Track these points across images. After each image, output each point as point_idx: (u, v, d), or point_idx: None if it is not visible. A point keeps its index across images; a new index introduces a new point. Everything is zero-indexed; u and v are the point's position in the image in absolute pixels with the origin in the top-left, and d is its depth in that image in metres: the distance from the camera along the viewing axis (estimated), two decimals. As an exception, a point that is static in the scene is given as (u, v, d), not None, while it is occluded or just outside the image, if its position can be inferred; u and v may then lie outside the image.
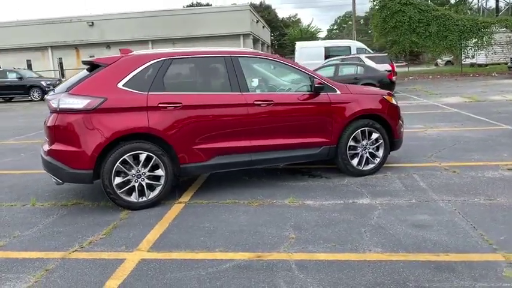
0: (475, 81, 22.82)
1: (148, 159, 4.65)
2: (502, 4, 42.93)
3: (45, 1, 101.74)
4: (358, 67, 16.16)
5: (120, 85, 4.62)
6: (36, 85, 24.09)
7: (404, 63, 39.17)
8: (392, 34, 27.80)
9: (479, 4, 46.18)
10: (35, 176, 6.31)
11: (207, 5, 61.35)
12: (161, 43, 37.47)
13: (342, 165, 5.61)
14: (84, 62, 5.00)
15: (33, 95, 23.94)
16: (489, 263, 3.19)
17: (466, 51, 30.07)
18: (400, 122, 5.96)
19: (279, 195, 4.98)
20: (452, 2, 43.51)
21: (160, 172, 4.73)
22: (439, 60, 45.50)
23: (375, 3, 28.20)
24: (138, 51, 5.18)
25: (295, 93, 5.43)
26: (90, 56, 38.84)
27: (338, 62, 17.90)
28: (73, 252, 3.70)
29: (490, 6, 45.59)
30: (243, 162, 5.12)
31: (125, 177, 4.61)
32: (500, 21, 28.85)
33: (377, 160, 5.71)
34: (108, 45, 38.09)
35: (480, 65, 31.97)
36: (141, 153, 4.62)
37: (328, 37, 77.86)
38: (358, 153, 5.62)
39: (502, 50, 29.95)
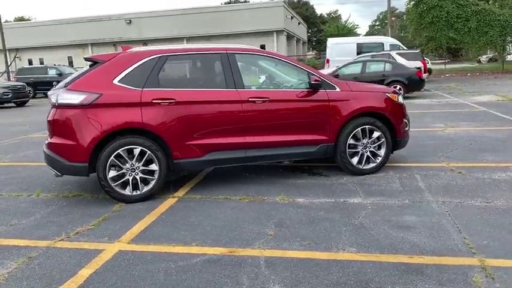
0: (515, 78, 21.80)
1: (142, 153, 4.77)
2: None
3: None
4: (386, 64, 15.80)
5: (115, 81, 4.75)
6: (73, 81, 24.95)
7: (446, 60, 37.95)
8: (429, 30, 26.96)
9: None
10: (46, 168, 6.58)
11: (245, 1, 61.58)
12: (196, 40, 38.01)
13: (341, 163, 5.54)
14: (86, 59, 5.17)
15: (70, 91, 24.79)
16: (462, 267, 3.08)
17: (508, 47, 28.74)
18: (405, 121, 5.80)
19: (272, 192, 4.98)
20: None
21: (154, 167, 4.83)
22: (482, 57, 43.74)
23: (410, -2, 27.39)
24: (136, 48, 5.29)
25: (292, 90, 5.40)
26: (128, 53, 39.98)
27: (366, 58, 17.56)
28: (58, 241, 3.85)
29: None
30: (238, 158, 5.15)
31: (120, 170, 4.74)
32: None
33: (378, 159, 5.60)
34: (145, 42, 38.98)
35: (524, 62, 30.50)
36: (135, 147, 4.74)
37: (370, 33, 76.35)
38: (359, 152, 5.52)
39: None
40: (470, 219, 3.95)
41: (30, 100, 22.29)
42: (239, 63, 5.16)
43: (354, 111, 5.38)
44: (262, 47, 37.97)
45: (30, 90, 23.48)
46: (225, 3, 60.61)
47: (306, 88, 5.30)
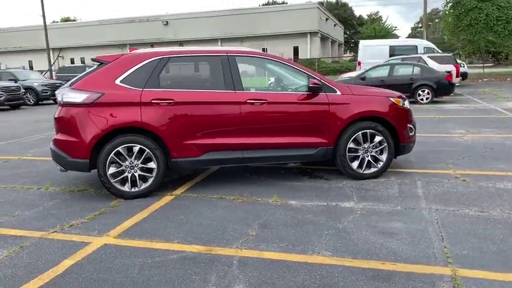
0: (557, 84, 20.77)
1: (141, 151, 4.93)
2: None
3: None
4: (415, 67, 15.46)
5: (117, 81, 4.93)
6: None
7: (486, 64, 36.58)
8: (466, 33, 26.09)
9: None
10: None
11: (283, 2, 61.65)
12: (230, 41, 38.45)
13: (341, 167, 5.51)
14: (93, 60, 5.39)
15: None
16: (432, 276, 3.03)
17: (553, 51, 27.41)
18: (410, 126, 5.70)
19: (267, 194, 5.02)
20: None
21: (152, 165, 4.98)
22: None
23: (448, 0, 26.60)
24: (140, 49, 5.46)
25: (291, 93, 5.44)
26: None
27: (395, 62, 17.25)
28: (52, 233, 4.05)
29: None
30: (236, 159, 5.22)
31: (119, 167, 4.92)
32: None
33: (380, 164, 5.53)
34: (181, 43, 39.78)
35: None
36: (134, 146, 4.90)
37: (412, 35, 74.58)
38: (359, 156, 5.48)
39: None
40: (458, 228, 3.86)
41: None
42: (240, 66, 5.23)
43: (354, 115, 5.35)
44: (296, 48, 38.00)
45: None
46: (263, 5, 60.89)
47: (306, 91, 5.31)
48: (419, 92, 15.03)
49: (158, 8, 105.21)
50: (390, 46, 24.28)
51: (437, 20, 67.84)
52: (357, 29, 70.00)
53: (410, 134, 5.71)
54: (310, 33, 37.01)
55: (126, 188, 4.97)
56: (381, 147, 5.50)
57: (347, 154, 5.42)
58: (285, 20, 35.97)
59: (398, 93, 5.90)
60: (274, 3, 66.51)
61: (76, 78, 5.18)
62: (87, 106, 4.85)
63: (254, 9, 38.00)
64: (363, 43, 25.24)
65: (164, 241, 3.78)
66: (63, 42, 41.09)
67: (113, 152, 4.86)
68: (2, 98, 18.17)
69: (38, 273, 3.25)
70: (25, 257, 3.55)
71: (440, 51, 23.61)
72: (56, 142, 5.04)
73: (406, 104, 5.85)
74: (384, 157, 5.52)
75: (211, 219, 4.30)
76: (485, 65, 31.36)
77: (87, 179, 5.91)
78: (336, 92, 5.39)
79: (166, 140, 4.97)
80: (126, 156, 4.91)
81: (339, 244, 3.61)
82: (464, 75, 22.30)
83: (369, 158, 5.50)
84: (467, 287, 2.87)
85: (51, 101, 21.23)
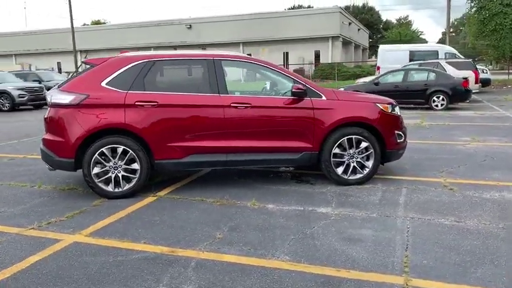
0: None
1: (125, 152, 5.03)
2: None
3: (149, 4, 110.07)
4: (430, 73, 15.17)
5: (103, 84, 5.06)
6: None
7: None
8: (491, 38, 25.43)
9: None
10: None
11: (309, 7, 61.49)
12: (251, 45, 38.65)
13: (326, 172, 5.49)
14: (83, 62, 5.54)
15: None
16: (383, 285, 2.99)
17: None
18: (398, 132, 5.63)
19: (248, 197, 5.04)
20: None
21: (135, 166, 5.08)
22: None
23: (472, 4, 26.00)
24: (127, 53, 5.58)
25: (276, 97, 5.45)
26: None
27: (411, 67, 17.00)
28: (29, 229, 4.19)
29: None
30: (219, 162, 5.27)
31: (103, 168, 5.03)
32: None
33: (366, 170, 5.48)
34: (203, 46, 40.23)
35: None
36: (118, 147, 5.01)
37: (442, 40, 73.28)
38: (344, 162, 5.44)
39: None
40: (427, 237, 3.80)
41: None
42: (229, 70, 5.29)
43: (339, 121, 5.32)
44: (317, 52, 37.85)
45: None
46: (289, 9, 60.90)
47: (290, 95, 5.31)
48: (434, 98, 14.74)
49: (182, 11, 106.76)
50: (410, 51, 23.95)
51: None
52: (382, 33, 69.18)
53: (399, 140, 5.64)
54: (331, 37, 36.81)
55: (110, 188, 5.08)
56: (367, 154, 5.45)
57: (332, 159, 5.39)
58: (306, 24, 35.90)
59: (388, 100, 5.83)
60: (300, 7, 66.50)
61: (65, 80, 5.33)
62: (73, 107, 4.98)
63: (276, 13, 38.05)
64: (382, 48, 24.96)
65: (131, 241, 3.85)
66: (89, 44, 42.13)
67: (97, 153, 4.97)
68: (25, 98, 18.77)
69: (3, 268, 3.36)
70: (-4, 252, 3.68)
71: (462, 56, 23.12)
72: (45, 142, 5.20)
73: (397, 110, 5.78)
74: (370, 163, 5.46)
75: (185, 221, 4.35)
76: (511, 71, 30.42)
77: (79, 178, 6.04)
78: (321, 97, 5.38)
79: (150, 141, 5.05)
80: (110, 157, 5.02)
81: (300, 249, 3.60)
82: (486, 82, 21.74)
83: (355, 164, 5.45)
84: (414, 297, 2.83)
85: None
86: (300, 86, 5.25)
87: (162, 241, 3.84)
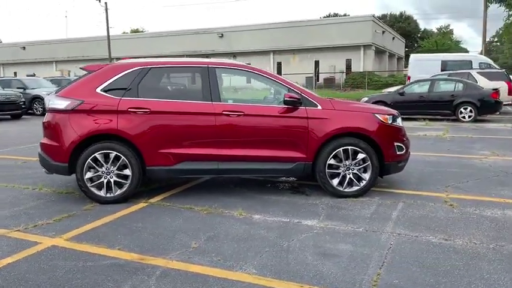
0: None
1: (117, 158, 5.08)
2: None
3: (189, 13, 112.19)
4: (458, 83, 14.68)
5: (98, 90, 5.14)
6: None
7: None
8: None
9: None
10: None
11: (345, 15, 61.03)
12: (282, 53, 38.66)
13: (320, 183, 5.36)
14: (82, 68, 5.66)
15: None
16: (343, 303, 2.85)
17: None
18: (399, 144, 5.42)
19: (237, 206, 4.96)
20: None
21: (127, 172, 5.11)
22: None
23: (510, 12, 25.02)
24: (125, 60, 5.65)
25: (269, 106, 5.38)
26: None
27: (439, 77, 16.48)
28: (14, 231, 4.27)
29: None
30: (210, 170, 5.24)
31: (96, 173, 5.10)
32: None
33: (363, 183, 5.30)
34: (234, 55, 40.60)
35: None
36: (111, 152, 5.06)
37: (486, 50, 70.97)
38: (340, 173, 5.29)
39: None
40: (408, 255, 3.61)
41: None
42: (218, 78, 5.26)
43: (334, 131, 5.18)
44: (349, 61, 37.42)
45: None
46: (324, 17, 60.66)
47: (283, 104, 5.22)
48: (461, 109, 14.24)
49: (215, 20, 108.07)
50: (442, 61, 23.20)
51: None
52: (419, 42, 67.78)
53: (399, 152, 5.43)
54: (363, 46, 36.31)
55: (102, 193, 5.13)
56: (364, 165, 5.28)
57: (327, 170, 5.26)
58: (338, 33, 35.58)
59: (389, 110, 5.65)
60: (336, 15, 66.12)
61: (63, 86, 5.45)
62: (68, 112, 5.09)
63: (307, 21, 37.91)
64: (413, 57, 24.34)
65: (106, 247, 3.86)
66: (125, 52, 43.21)
67: (90, 158, 5.04)
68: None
69: (-25, 269, 3.43)
70: (-25, 252, 3.76)
71: (497, 66, 22.23)
72: (42, 146, 5.32)
73: (398, 121, 5.58)
74: (367, 176, 5.29)
75: (166, 228, 4.33)
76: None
77: (80, 183, 6.16)
78: (316, 106, 5.26)
79: (141, 147, 5.08)
80: (103, 162, 5.08)
81: (271, 263, 3.50)
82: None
83: (351, 176, 5.29)
84: (372, 318, 2.67)
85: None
86: (293, 95, 5.15)
87: (136, 248, 3.82)
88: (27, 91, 19.42)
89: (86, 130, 5.03)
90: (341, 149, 5.22)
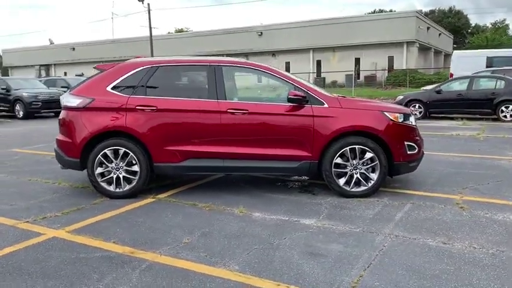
0: None
1: (126, 155, 5.23)
2: None
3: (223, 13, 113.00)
4: (499, 81, 13.98)
5: (108, 88, 5.31)
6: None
7: None
8: None
9: None
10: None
11: (391, 11, 59.50)
12: (321, 51, 38.24)
13: (327, 183, 5.28)
14: (94, 68, 5.86)
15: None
16: (314, 304, 2.81)
17: None
18: (409, 143, 5.24)
19: (240, 204, 4.98)
20: None
21: (136, 168, 5.25)
22: None
23: None
24: (137, 58, 5.78)
25: (275, 104, 5.36)
26: (258, 63, 42.01)
27: (480, 74, 15.75)
28: (23, 222, 4.49)
29: None
30: (216, 167, 5.28)
31: (106, 168, 5.27)
32: None
33: (370, 183, 5.17)
34: (273, 53, 40.60)
35: None
36: (120, 149, 5.22)
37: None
38: (347, 173, 5.19)
39: None
40: (398, 257, 3.50)
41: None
42: (225, 76, 5.30)
43: (340, 129, 5.09)
44: (391, 58, 36.49)
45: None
46: (368, 14, 59.38)
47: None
48: (503, 108, 13.55)
49: (254, 19, 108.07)
50: (488, 57, 22.18)
51: None
52: (468, 38, 64.87)
53: (409, 152, 5.25)
54: (406, 42, 35.24)
55: (112, 188, 5.30)
56: (372, 165, 5.15)
57: (333, 169, 5.17)
58: (379, 29, 34.72)
59: (400, 108, 5.48)
60: (381, 11, 64.63)
61: (77, 84, 5.67)
62: (80, 110, 5.29)
63: (347, 18, 37.24)
64: (456, 54, 23.45)
65: (102, 240, 3.99)
66: (167, 52, 44.25)
67: (101, 154, 5.22)
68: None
69: (-23, 256, 3.65)
70: (-17, 241, 4.00)
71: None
72: (57, 142, 5.56)
73: (411, 120, 5.40)
74: (375, 176, 5.16)
75: (165, 223, 4.42)
76: None
77: (97, 178, 6.39)
78: (323, 104, 5.18)
79: (148, 144, 5.20)
80: (112, 158, 5.24)
81: (256, 260, 3.49)
82: None
83: (358, 176, 5.17)
84: (340, 320, 2.62)
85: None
86: (298, 93, 5.10)
87: (131, 242, 3.93)
88: (71, 90, 20.29)
89: (96, 127, 5.21)
90: (348, 148, 5.12)
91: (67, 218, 4.62)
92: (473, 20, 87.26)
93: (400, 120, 5.26)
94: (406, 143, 5.22)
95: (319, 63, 39.40)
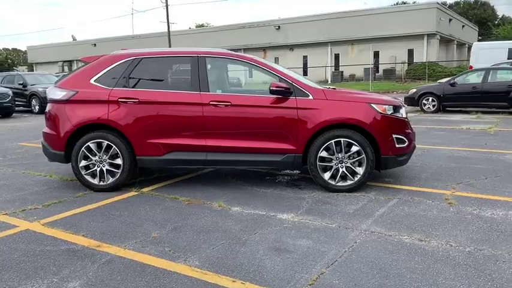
0: None
1: (109, 147, 5.19)
2: None
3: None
4: (516, 73, 13.41)
5: (92, 81, 5.27)
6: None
7: None
8: None
9: None
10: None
11: (414, 2, 58.19)
12: (340, 44, 37.68)
13: (312, 177, 5.13)
14: (79, 60, 5.83)
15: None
16: (264, 302, 2.69)
17: None
18: (399, 136, 5.04)
19: (221, 198, 4.89)
20: None
21: (119, 161, 5.21)
22: None
23: None
24: (121, 50, 5.72)
25: (258, 96, 5.23)
26: (275, 58, 41.73)
27: (497, 66, 15.19)
28: (1, 215, 4.50)
29: None
30: (198, 161, 5.20)
31: (90, 161, 5.25)
32: None
33: (357, 177, 5.00)
34: (291, 47, 40.24)
35: None
36: (103, 142, 5.19)
37: None
38: (332, 167, 5.03)
39: None
40: (367, 255, 3.35)
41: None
42: (208, 67, 5.20)
43: (325, 122, 4.93)
44: (410, 51, 35.68)
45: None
46: (393, 5, 58.14)
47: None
48: (515, 101, 13.01)
49: (272, 13, 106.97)
50: (509, 49, 21.47)
51: None
52: (494, 30, 62.91)
53: (398, 145, 5.05)
54: (427, 35, 34.32)
55: (96, 181, 5.28)
56: (358, 158, 4.97)
57: (318, 163, 5.02)
58: (398, 22, 33.90)
59: (389, 100, 5.26)
60: (403, 3, 63.26)
61: (62, 76, 5.66)
62: (64, 103, 5.27)
63: (365, 11, 36.47)
64: (476, 45, 22.76)
65: (72, 233, 3.96)
66: (185, 46, 44.48)
67: (84, 147, 5.20)
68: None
69: None
70: (-44, 233, 4.02)
71: None
72: (43, 135, 5.57)
73: (401, 112, 5.20)
74: (361, 170, 4.98)
75: (140, 217, 4.36)
76: None
77: (88, 171, 6.39)
78: (307, 96, 5.03)
79: (130, 137, 5.15)
80: (96, 151, 5.22)
81: (218, 256, 3.39)
82: None
83: (344, 170, 5.01)
84: (286, 320, 2.50)
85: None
86: (280, 84, 4.96)
87: (100, 235, 3.88)
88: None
89: (79, 120, 5.19)
90: (333, 141, 4.96)
91: (46, 211, 4.62)
92: (502, 11, 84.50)
93: (389, 112, 5.06)
94: (394, 136, 5.02)
95: (337, 56, 38.83)
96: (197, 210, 4.53)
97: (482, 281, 2.89)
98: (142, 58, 5.33)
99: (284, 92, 4.95)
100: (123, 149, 5.16)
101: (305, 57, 39.80)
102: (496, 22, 68.91)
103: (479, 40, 55.84)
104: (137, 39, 47.15)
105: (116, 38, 49.04)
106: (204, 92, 5.10)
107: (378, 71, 35.72)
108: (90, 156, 5.23)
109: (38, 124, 13.64)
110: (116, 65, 5.30)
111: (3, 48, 63.09)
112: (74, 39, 55.99)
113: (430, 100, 14.46)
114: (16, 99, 17.21)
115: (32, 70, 53.68)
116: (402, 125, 5.15)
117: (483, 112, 13.51)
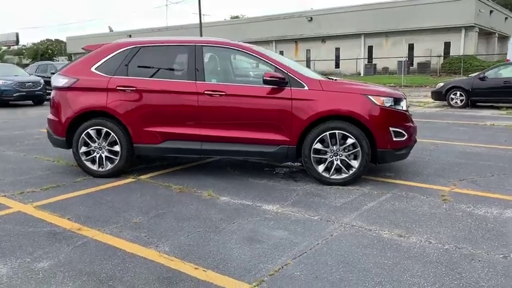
0: None
1: (108, 134, 5.30)
2: None
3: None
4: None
5: (93, 69, 5.38)
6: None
7: None
8: None
9: None
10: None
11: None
12: (373, 37, 36.94)
13: (306, 169, 5.06)
14: (83, 48, 5.96)
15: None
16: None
17: None
18: (396, 130, 4.89)
19: (212, 187, 4.91)
20: None
21: (117, 148, 5.31)
22: None
23: None
24: (121, 39, 5.79)
25: (253, 86, 5.18)
26: (307, 50, 41.31)
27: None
28: (1, 197, 4.69)
29: None
30: (194, 150, 5.22)
31: (90, 148, 5.38)
32: None
33: (352, 170, 4.90)
34: (323, 39, 39.73)
35: None
36: (102, 129, 5.30)
37: None
38: (327, 159, 4.94)
39: None
40: (338, 248, 3.28)
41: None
42: (205, 56, 5.20)
43: (320, 113, 4.84)
44: (447, 44, 34.53)
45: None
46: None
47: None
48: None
49: (305, 4, 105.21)
50: (550, 42, 20.38)
51: None
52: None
53: (396, 139, 4.91)
54: (465, 27, 33.06)
55: (95, 167, 5.40)
56: (353, 151, 4.87)
57: (312, 155, 4.94)
58: (435, 14, 32.78)
59: (389, 92, 5.11)
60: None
61: (66, 64, 5.80)
62: (65, 90, 5.41)
63: (400, 2, 35.39)
64: (514, 38, 21.67)
65: (59, 215, 4.07)
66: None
67: (84, 133, 5.32)
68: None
69: None
70: (-46, 212, 4.22)
71: None
72: (48, 121, 5.74)
73: (402, 104, 5.05)
74: (356, 163, 4.87)
75: (127, 203, 4.43)
76: None
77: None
78: (303, 86, 4.95)
79: (128, 125, 5.23)
80: (96, 138, 5.33)
81: (190, 243, 3.41)
82: None
83: (338, 162, 4.91)
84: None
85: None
86: (274, 74, 4.90)
87: (84, 219, 3.97)
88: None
89: (80, 107, 5.31)
90: (328, 133, 4.86)
91: (42, 194, 4.76)
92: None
93: (388, 104, 4.92)
94: (392, 129, 4.87)
95: (370, 49, 38.05)
96: (186, 199, 4.57)
97: (449, 280, 2.77)
98: (142, 47, 5.39)
99: (278, 82, 4.89)
100: (121, 136, 5.25)
101: (337, 49, 39.21)
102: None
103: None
104: (171, 30, 47.73)
105: (149, 29, 49.76)
106: (199, 82, 5.11)
107: (412, 64, 34.74)
108: (90, 143, 5.35)
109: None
110: (116, 54, 5.38)
111: (46, 39, 65.30)
112: (110, 30, 57.31)
113: (457, 95, 13.97)
114: (48, 87, 17.80)
115: (71, 60, 55.40)
116: (401, 118, 4.99)
117: (514, 108, 12.94)
